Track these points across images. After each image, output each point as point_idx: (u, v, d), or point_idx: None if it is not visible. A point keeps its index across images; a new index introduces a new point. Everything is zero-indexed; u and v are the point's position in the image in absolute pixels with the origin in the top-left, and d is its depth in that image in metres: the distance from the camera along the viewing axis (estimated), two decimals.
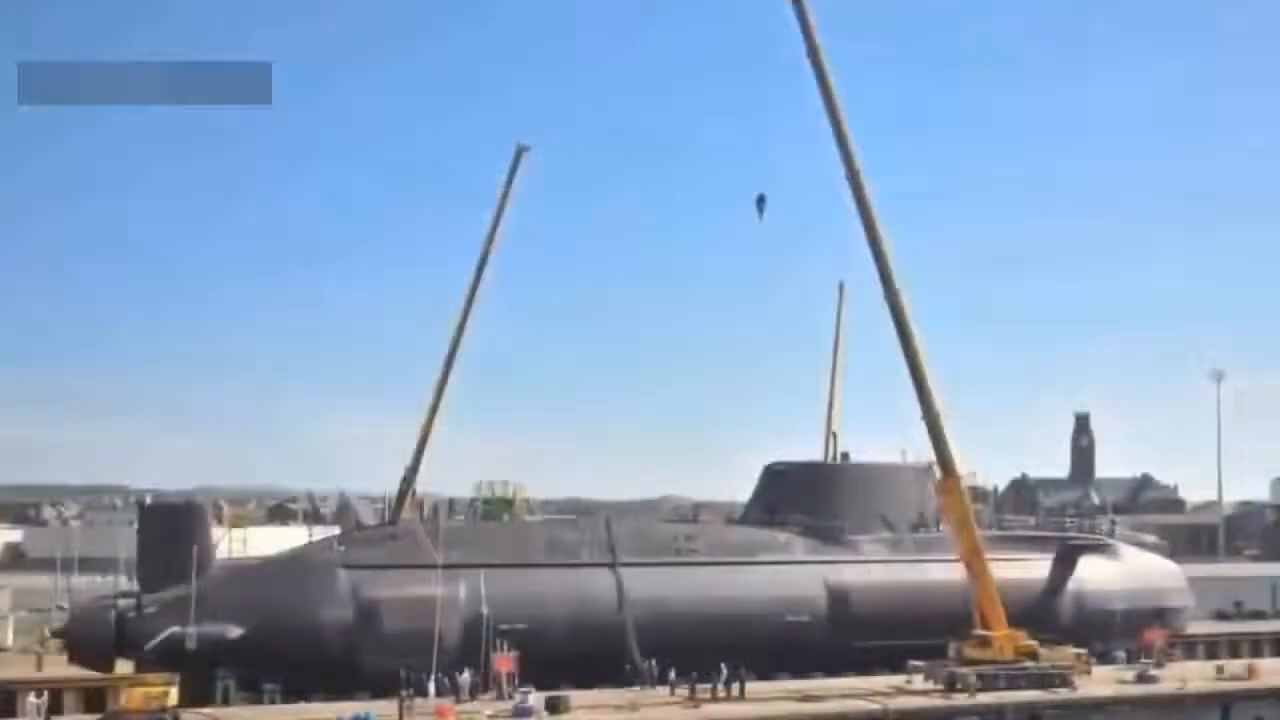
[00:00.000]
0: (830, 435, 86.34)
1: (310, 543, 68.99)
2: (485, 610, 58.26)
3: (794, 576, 67.32)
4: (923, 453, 67.15)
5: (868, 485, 75.51)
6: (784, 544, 70.07)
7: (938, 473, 63.92)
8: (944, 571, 66.85)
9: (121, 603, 58.25)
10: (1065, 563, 73.25)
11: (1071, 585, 72.48)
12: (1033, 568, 71.37)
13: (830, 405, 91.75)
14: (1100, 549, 76.62)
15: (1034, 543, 75.85)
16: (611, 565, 64.16)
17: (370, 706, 51.90)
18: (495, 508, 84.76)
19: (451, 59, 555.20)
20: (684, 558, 66.84)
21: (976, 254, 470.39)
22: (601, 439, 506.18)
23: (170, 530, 60.11)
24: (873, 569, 69.05)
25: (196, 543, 58.06)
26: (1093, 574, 73.42)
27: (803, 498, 73.37)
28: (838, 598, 67.06)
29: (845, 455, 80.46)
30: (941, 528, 73.86)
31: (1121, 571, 75.00)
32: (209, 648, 54.14)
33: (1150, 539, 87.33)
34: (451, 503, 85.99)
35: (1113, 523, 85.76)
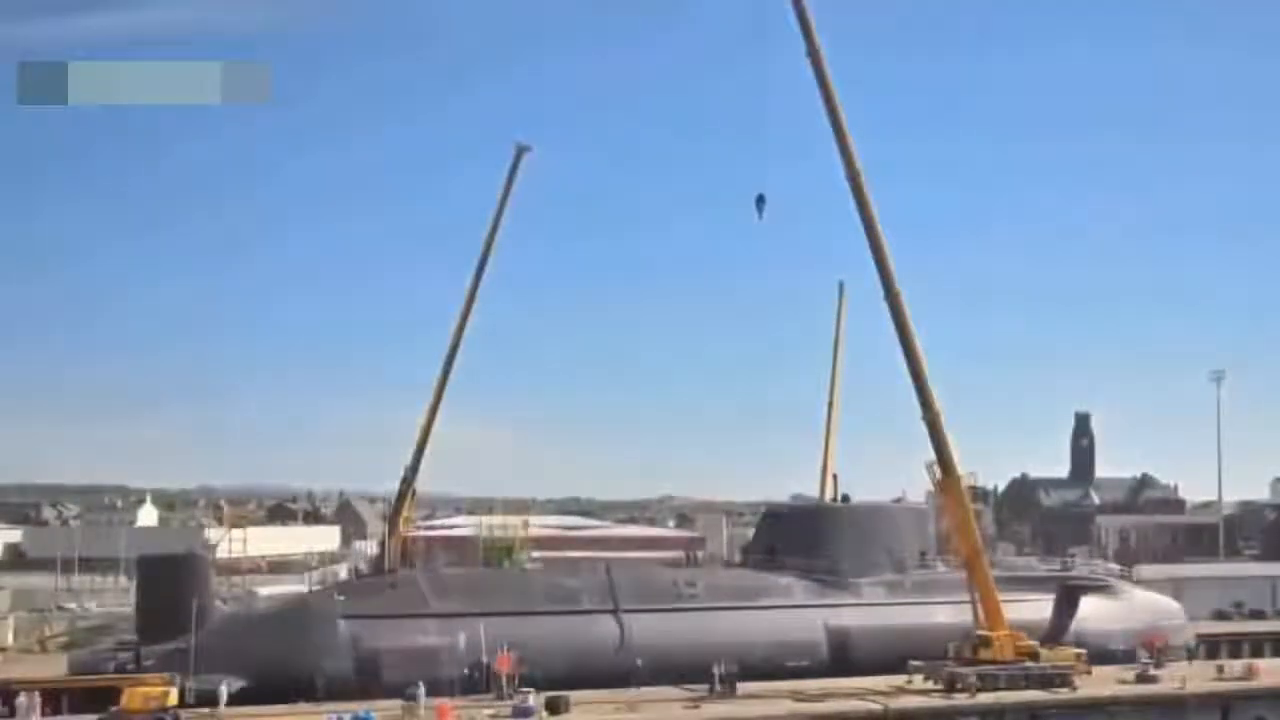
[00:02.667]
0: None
1: (310, 592, 68.84)
2: (486, 659, 58.02)
3: (794, 620, 67.24)
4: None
5: (867, 527, 75.86)
6: (784, 587, 70.07)
7: (938, 472, 63.81)
8: (945, 613, 66.94)
9: (120, 655, 57.92)
10: (1066, 603, 73.08)
11: (1073, 625, 72.10)
12: (1034, 609, 70.72)
13: (830, 406, 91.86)
14: (1101, 589, 76.69)
15: (1036, 583, 75.80)
16: (613, 611, 64.15)
17: (371, 706, 52.30)
18: (496, 554, 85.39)
19: (450, 55, 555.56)
20: (685, 603, 66.71)
21: (979, 254, 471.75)
22: (602, 439, 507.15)
23: (169, 581, 60.01)
24: (873, 611, 68.90)
25: (196, 594, 57.89)
26: (1094, 613, 73.15)
27: (802, 540, 73.53)
28: (838, 641, 67.03)
29: (845, 498, 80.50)
30: (942, 568, 74.71)
31: (1122, 610, 74.88)
32: (209, 700, 53.34)
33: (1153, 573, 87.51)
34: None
35: (1121, 571, 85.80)
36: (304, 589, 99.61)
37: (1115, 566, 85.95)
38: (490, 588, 66.63)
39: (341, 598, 62.27)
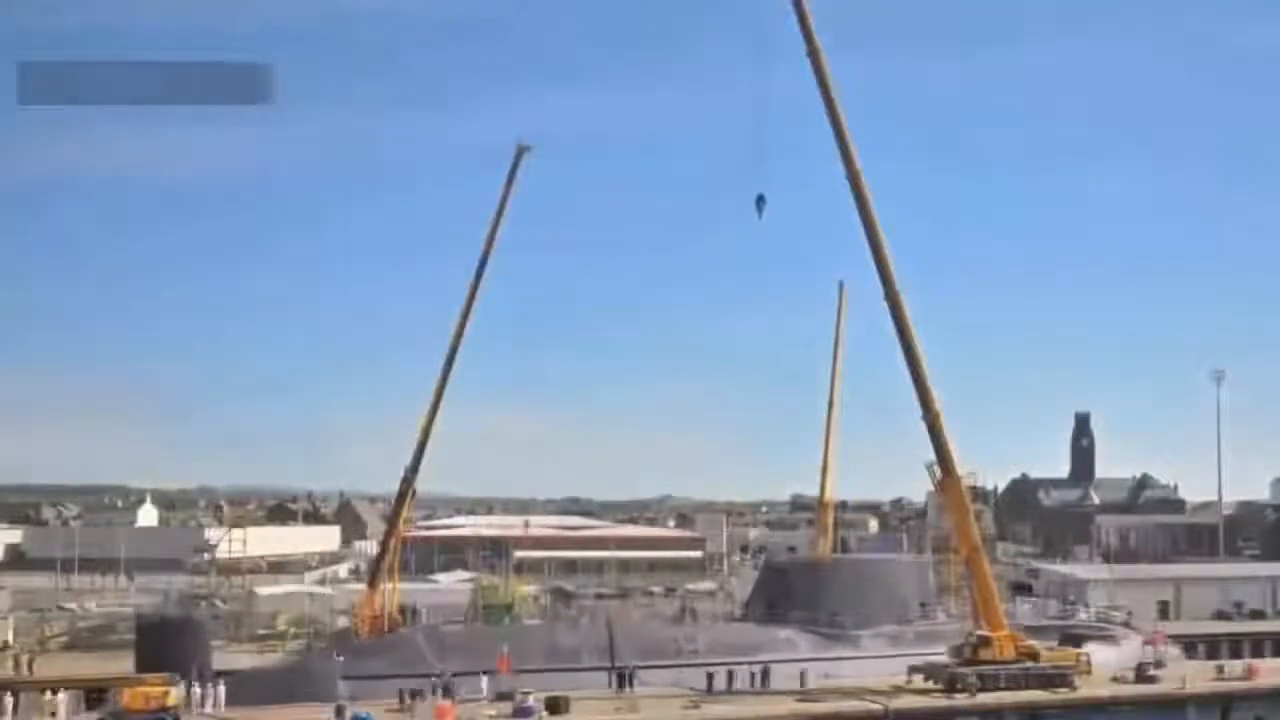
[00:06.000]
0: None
1: (309, 652, 68.46)
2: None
3: (796, 674, 65.64)
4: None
5: (867, 579, 75.92)
6: (786, 641, 69.55)
7: (938, 472, 63.70)
8: None
9: None
10: None
11: None
12: None
13: (830, 406, 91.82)
14: (1103, 637, 76.40)
15: (1037, 632, 75.25)
16: (611, 669, 63.25)
17: (370, 706, 52.49)
18: (495, 612, 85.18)
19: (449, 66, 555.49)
20: (685, 659, 65.68)
21: (980, 254, 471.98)
22: (602, 439, 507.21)
23: (170, 644, 59.97)
24: (875, 664, 67.74)
25: (196, 657, 57.86)
26: (1095, 661, 72.76)
27: (803, 594, 73.35)
28: None
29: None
30: (943, 618, 74.72)
31: (1123, 658, 74.28)
32: None
33: (1150, 628, 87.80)
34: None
35: (1128, 615, 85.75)
36: (303, 589, 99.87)
37: (1118, 614, 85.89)
38: (489, 645, 65.20)
39: (341, 658, 61.47)
